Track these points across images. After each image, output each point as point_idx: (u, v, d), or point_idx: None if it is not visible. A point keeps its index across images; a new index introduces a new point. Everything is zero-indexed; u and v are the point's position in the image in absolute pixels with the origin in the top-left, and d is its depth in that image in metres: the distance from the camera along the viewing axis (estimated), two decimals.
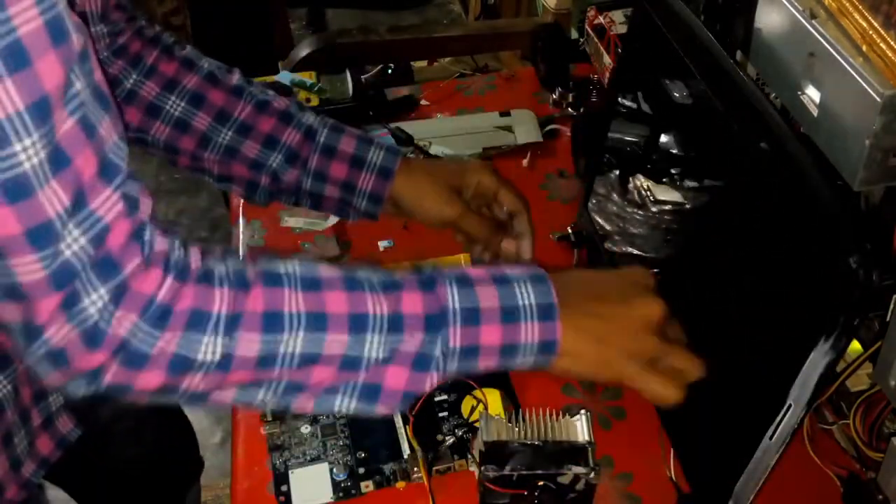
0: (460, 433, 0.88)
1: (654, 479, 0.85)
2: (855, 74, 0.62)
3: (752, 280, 0.76)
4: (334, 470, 0.86)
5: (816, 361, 0.65)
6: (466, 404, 0.91)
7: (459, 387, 0.91)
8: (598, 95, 1.28)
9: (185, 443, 1.21)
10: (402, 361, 0.61)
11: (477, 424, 0.84)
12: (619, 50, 1.14)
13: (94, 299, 0.53)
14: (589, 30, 1.25)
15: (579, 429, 0.79)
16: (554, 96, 1.33)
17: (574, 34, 1.34)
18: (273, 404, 0.62)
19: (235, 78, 0.87)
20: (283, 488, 0.85)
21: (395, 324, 0.61)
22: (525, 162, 1.23)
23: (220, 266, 0.59)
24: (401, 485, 0.85)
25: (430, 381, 0.62)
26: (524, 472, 0.76)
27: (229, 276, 0.58)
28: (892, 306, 0.65)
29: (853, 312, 0.62)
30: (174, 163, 0.87)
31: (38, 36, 0.47)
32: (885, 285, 0.61)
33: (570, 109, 1.30)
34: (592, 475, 0.76)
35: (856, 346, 0.75)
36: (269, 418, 0.90)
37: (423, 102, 1.36)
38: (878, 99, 0.60)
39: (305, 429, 0.90)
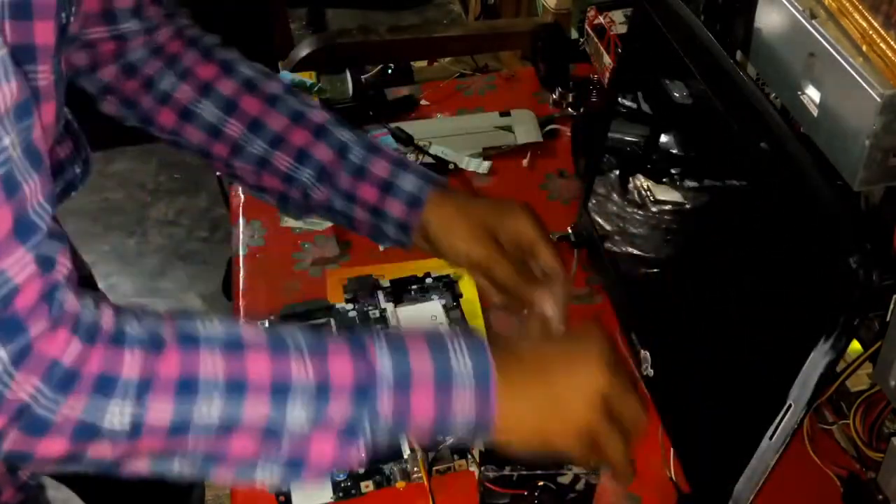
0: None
1: (655, 479, 0.85)
2: (855, 74, 0.62)
3: (752, 280, 0.76)
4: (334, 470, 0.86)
5: (816, 361, 0.65)
6: None
7: None
8: (598, 95, 1.28)
9: None
10: (328, 432, 0.57)
11: None
12: (619, 50, 1.14)
13: None
14: (589, 30, 1.24)
15: None
16: (554, 96, 1.33)
17: (574, 34, 1.34)
18: (190, 476, 0.58)
19: (275, 85, 0.83)
20: (284, 488, 0.85)
21: (322, 391, 0.57)
22: (525, 162, 1.23)
23: (134, 325, 0.55)
24: (401, 485, 0.85)
25: (359, 452, 0.58)
26: (524, 473, 0.76)
27: (142, 337, 0.55)
28: (892, 306, 0.65)
29: (853, 312, 0.62)
30: (210, 166, 0.86)
31: None
32: (885, 285, 0.61)
33: (570, 109, 1.30)
34: (592, 475, 0.76)
35: (856, 346, 0.75)
36: None
37: (423, 102, 1.36)
38: (878, 99, 0.60)
39: None
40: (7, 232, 0.50)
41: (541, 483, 0.76)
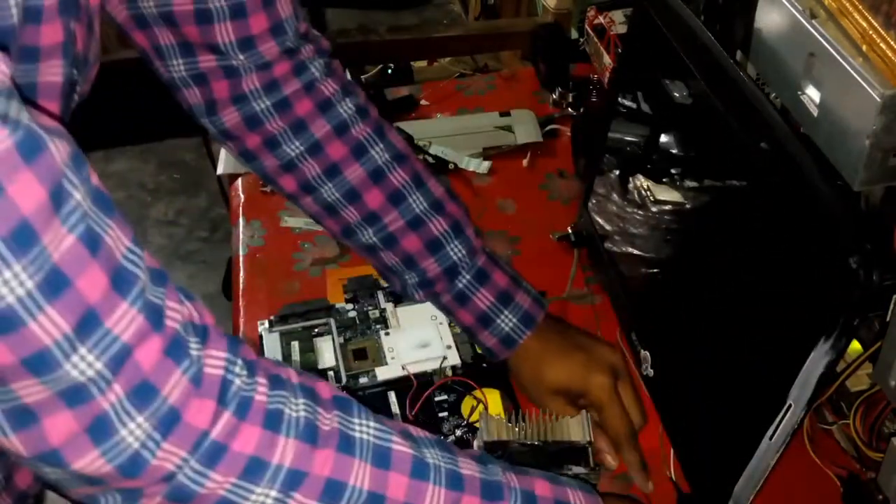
0: (460, 433, 0.88)
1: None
2: (855, 74, 0.62)
3: (752, 280, 0.76)
4: None
5: (816, 361, 0.65)
6: (466, 404, 0.91)
7: (460, 387, 0.92)
8: (598, 95, 1.28)
9: None
10: None
11: (477, 425, 0.84)
12: (619, 50, 1.14)
13: (132, 428, 0.48)
14: (589, 30, 1.24)
15: (579, 429, 0.79)
16: (554, 96, 1.33)
17: (574, 34, 1.34)
18: None
19: (401, 176, 0.82)
20: None
21: None
22: (525, 162, 1.23)
23: (291, 407, 0.54)
24: None
25: None
26: None
27: (298, 426, 0.53)
28: (892, 306, 0.65)
29: (853, 312, 0.62)
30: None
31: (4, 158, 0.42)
32: (885, 285, 0.61)
33: (570, 109, 1.30)
34: (592, 475, 0.76)
35: (856, 346, 0.75)
36: None
37: (423, 102, 1.36)
38: (878, 99, 0.60)
39: None
40: (104, 289, 0.47)
41: None
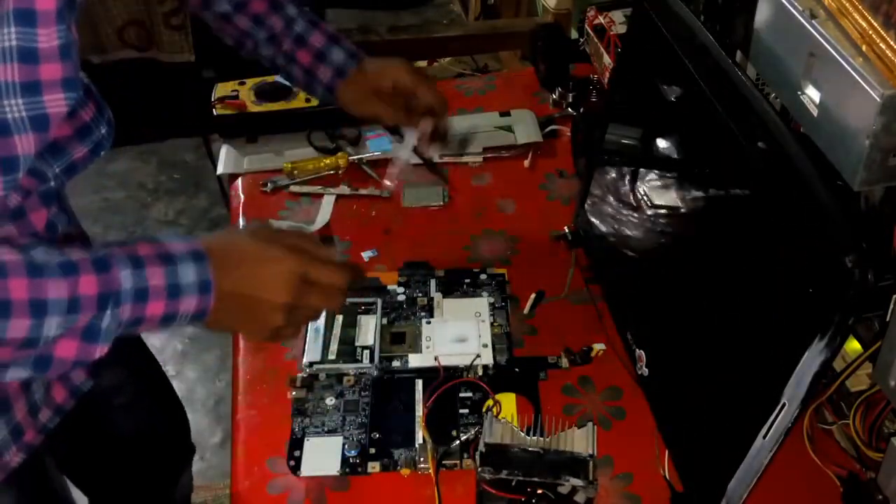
0: (473, 432, 0.88)
1: (654, 478, 0.85)
2: (855, 74, 0.62)
3: (748, 280, 0.76)
4: (346, 445, 0.88)
5: (811, 360, 0.65)
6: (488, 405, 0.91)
7: (484, 388, 0.93)
8: (598, 95, 1.28)
9: (177, 425, 1.23)
10: (73, 335, 0.65)
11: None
12: (619, 50, 1.14)
13: None
14: (589, 30, 1.25)
15: (584, 441, 0.79)
16: (554, 96, 1.33)
17: (574, 34, 1.34)
18: None
19: None
20: (296, 453, 0.88)
21: (73, 306, 0.64)
22: (525, 162, 1.23)
23: None
24: (405, 471, 0.86)
25: (100, 350, 0.67)
26: (522, 479, 0.76)
27: None
28: (891, 306, 0.65)
29: (848, 311, 0.62)
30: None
31: None
32: (881, 285, 0.61)
33: (570, 109, 1.30)
34: (590, 489, 0.76)
35: (856, 346, 0.75)
36: (299, 384, 0.94)
37: None
38: (877, 99, 0.60)
39: (330, 401, 0.92)
40: None
41: (539, 491, 0.76)
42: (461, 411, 0.91)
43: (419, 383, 0.93)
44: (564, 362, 0.96)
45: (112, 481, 1.18)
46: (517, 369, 0.95)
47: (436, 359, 0.95)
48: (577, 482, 0.76)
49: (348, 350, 0.97)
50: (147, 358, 1.14)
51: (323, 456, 0.87)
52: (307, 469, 0.87)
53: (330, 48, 1.00)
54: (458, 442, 0.88)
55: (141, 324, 0.68)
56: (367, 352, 0.96)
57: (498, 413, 0.88)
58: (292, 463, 0.87)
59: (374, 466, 0.86)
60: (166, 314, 0.68)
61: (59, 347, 0.65)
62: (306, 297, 0.74)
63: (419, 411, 0.91)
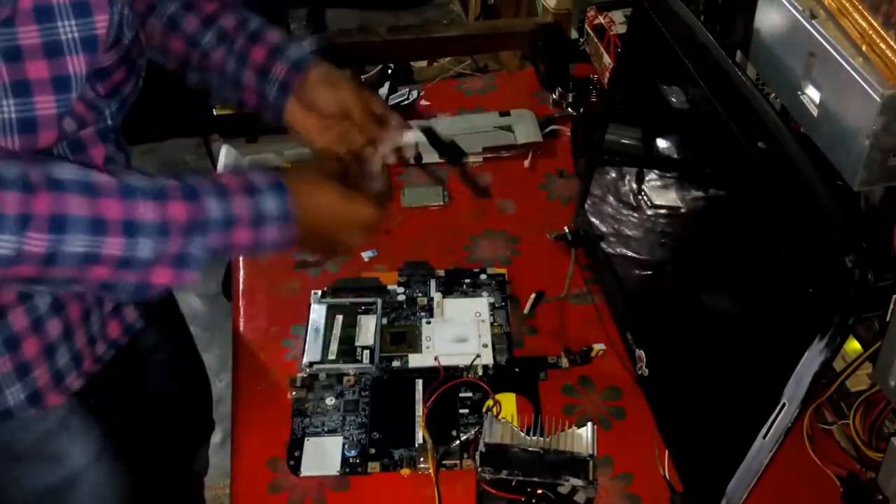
0: (473, 432, 0.88)
1: (655, 478, 0.85)
2: (855, 74, 0.62)
3: (748, 280, 0.76)
4: (346, 445, 0.88)
5: (811, 360, 0.65)
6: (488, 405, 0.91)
7: (485, 388, 0.93)
8: (598, 95, 1.28)
9: (203, 396, 1.25)
10: (166, 262, 0.69)
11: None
12: (619, 50, 1.14)
13: None
14: (589, 30, 1.25)
15: (584, 441, 0.79)
16: (554, 96, 1.33)
17: (574, 34, 1.35)
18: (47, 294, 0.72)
19: None
20: (296, 454, 0.88)
21: (163, 229, 0.68)
22: (525, 162, 1.23)
23: (5, 170, 0.62)
24: (405, 472, 0.86)
25: (191, 276, 0.71)
26: (522, 479, 0.76)
27: (15, 181, 0.62)
28: (891, 306, 0.65)
29: (848, 311, 0.62)
30: None
31: None
32: (881, 285, 0.61)
33: (570, 109, 1.30)
34: (590, 489, 0.76)
35: (856, 346, 0.75)
36: (299, 384, 0.94)
37: (423, 102, 1.36)
38: (877, 99, 0.60)
39: (330, 401, 0.92)
40: None
41: (539, 491, 0.76)
42: (461, 411, 0.91)
43: (419, 383, 0.93)
44: (564, 362, 0.96)
45: (137, 438, 1.18)
46: (517, 369, 0.95)
47: (436, 359, 0.95)
48: (577, 482, 0.76)
49: (348, 350, 0.97)
50: (182, 328, 1.15)
51: (323, 456, 0.87)
52: (307, 469, 0.87)
53: (287, 43, 0.92)
54: (457, 442, 0.88)
55: (229, 252, 0.73)
56: (367, 352, 0.96)
57: (498, 413, 0.88)
58: (292, 463, 0.87)
59: (374, 466, 0.86)
60: (252, 242, 0.73)
61: (156, 275, 0.69)
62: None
63: (419, 411, 0.91)
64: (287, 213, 0.73)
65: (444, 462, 0.86)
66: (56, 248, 0.63)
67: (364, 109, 0.91)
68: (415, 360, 0.96)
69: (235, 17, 0.92)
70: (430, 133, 0.96)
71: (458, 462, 0.86)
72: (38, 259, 0.63)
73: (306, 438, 0.89)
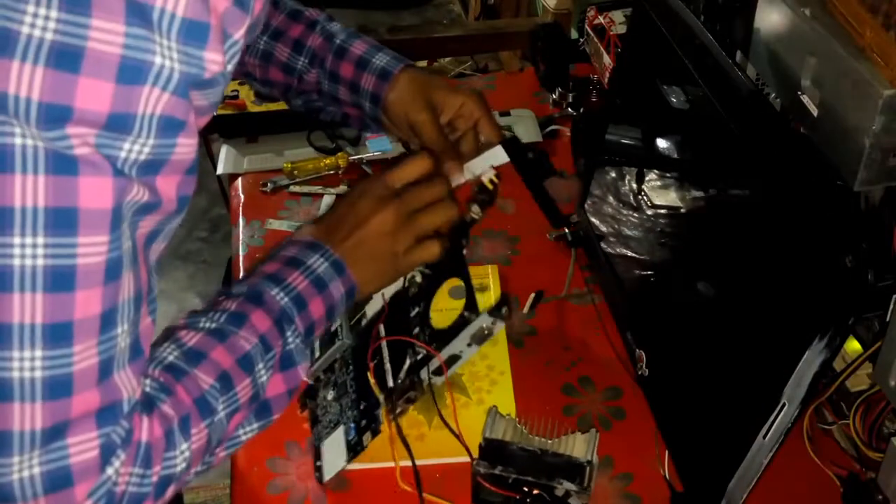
0: (413, 375, 0.84)
1: (654, 478, 0.85)
2: (855, 74, 0.62)
3: (748, 280, 0.76)
4: (346, 430, 0.87)
5: (811, 360, 0.65)
6: (439, 297, 0.88)
7: (430, 291, 0.88)
8: (598, 95, 1.28)
9: None
10: (273, 372, 0.69)
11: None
12: (619, 50, 1.14)
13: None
14: (589, 30, 1.25)
15: (584, 446, 0.79)
16: (554, 96, 1.33)
17: (574, 34, 1.34)
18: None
19: None
20: (318, 463, 0.87)
21: (265, 344, 0.68)
22: None
23: (147, 385, 0.61)
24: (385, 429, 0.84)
25: (302, 371, 0.71)
26: (518, 477, 0.76)
27: (157, 390, 0.61)
28: (891, 306, 0.65)
29: (848, 312, 0.62)
30: None
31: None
32: (881, 285, 0.61)
33: (570, 109, 1.30)
34: (583, 494, 0.76)
35: (856, 346, 0.75)
36: (308, 396, 0.92)
37: None
38: (878, 99, 0.60)
39: (330, 395, 0.91)
40: (89, 409, 0.54)
41: (535, 491, 0.76)
42: (414, 331, 0.87)
43: (382, 329, 0.89)
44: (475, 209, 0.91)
45: None
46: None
47: (382, 295, 0.90)
48: (571, 486, 0.76)
49: (325, 338, 0.92)
50: None
51: (336, 452, 0.86)
52: (328, 472, 0.85)
53: (372, 53, 0.91)
54: (398, 390, 0.84)
55: (316, 329, 0.73)
56: (339, 329, 0.91)
57: (496, 408, 0.87)
58: (317, 475, 0.86)
59: (367, 438, 0.84)
60: (328, 307, 0.73)
61: (269, 389, 0.69)
62: (422, 223, 0.78)
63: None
64: (336, 262, 0.74)
65: (395, 413, 0.83)
66: (212, 426, 0.63)
67: (455, 118, 0.90)
68: (371, 309, 0.91)
69: (321, 34, 0.92)
70: (512, 144, 0.92)
71: (414, 394, 0.83)
72: (202, 451, 0.63)
73: (321, 444, 0.87)
